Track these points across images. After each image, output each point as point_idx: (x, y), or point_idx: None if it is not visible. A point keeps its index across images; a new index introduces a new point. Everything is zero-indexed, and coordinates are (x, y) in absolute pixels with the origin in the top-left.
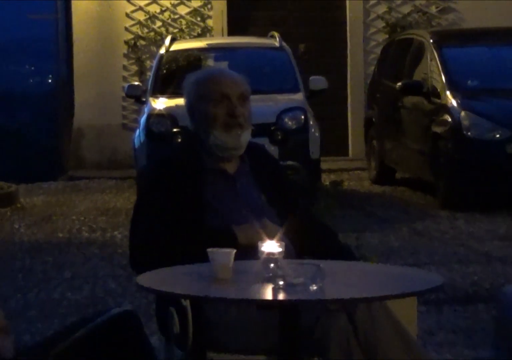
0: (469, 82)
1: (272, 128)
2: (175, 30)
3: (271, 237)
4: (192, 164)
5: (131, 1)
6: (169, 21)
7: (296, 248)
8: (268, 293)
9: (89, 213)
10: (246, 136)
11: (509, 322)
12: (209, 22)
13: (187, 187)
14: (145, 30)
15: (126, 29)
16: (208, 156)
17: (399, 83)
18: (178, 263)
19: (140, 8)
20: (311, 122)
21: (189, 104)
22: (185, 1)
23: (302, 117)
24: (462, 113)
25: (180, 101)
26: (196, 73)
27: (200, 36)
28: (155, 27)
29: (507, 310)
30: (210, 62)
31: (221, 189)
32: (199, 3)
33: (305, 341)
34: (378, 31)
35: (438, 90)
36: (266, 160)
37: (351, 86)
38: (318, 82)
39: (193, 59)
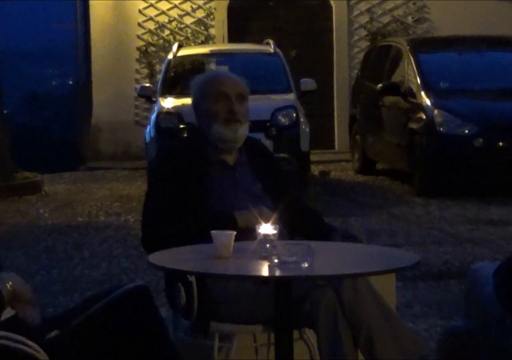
0: (441, 83)
1: (267, 124)
2: (182, 38)
3: (266, 221)
4: (196, 156)
5: (143, 12)
6: (176, 30)
7: (288, 230)
8: (264, 270)
9: (105, 199)
10: (243, 130)
11: (477, 295)
12: (212, 31)
13: (192, 176)
14: (155, 37)
15: (138, 37)
16: (210, 149)
17: (380, 85)
18: (184, 243)
19: (151, 18)
20: (301, 119)
21: (195, 101)
22: (190, 12)
23: (294, 114)
24: (435, 111)
25: (186, 100)
26: (201, 75)
27: (203, 43)
28: (164, 35)
29: (475, 285)
30: (213, 66)
31: (222, 178)
32: (202, 14)
33: (297, 313)
34: (361, 39)
35: (414, 90)
36: (262, 153)
37: (337, 87)
38: (308, 83)
39: (197, 63)
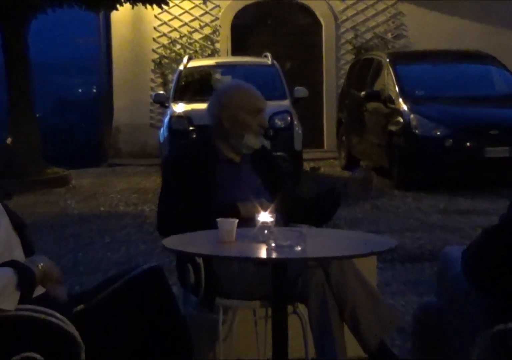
0: (416, 91)
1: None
2: (191, 52)
3: (265, 210)
4: (207, 154)
5: (157, 29)
6: (186, 44)
7: (284, 218)
8: (262, 253)
9: (124, 191)
10: (262, 139)
11: (447, 275)
12: (217, 45)
13: (202, 171)
14: (168, 51)
15: (153, 50)
16: (220, 148)
17: (363, 92)
18: (193, 229)
19: (164, 34)
20: (295, 122)
21: (223, 107)
22: (199, 29)
23: (289, 118)
24: (411, 116)
25: (195, 105)
26: (232, 83)
27: (210, 56)
28: (175, 49)
29: (445, 266)
30: (218, 76)
31: (228, 174)
32: (209, 31)
33: (291, 290)
34: (346, 53)
35: (393, 97)
36: (263, 153)
37: (326, 95)
38: (301, 91)
39: (204, 73)
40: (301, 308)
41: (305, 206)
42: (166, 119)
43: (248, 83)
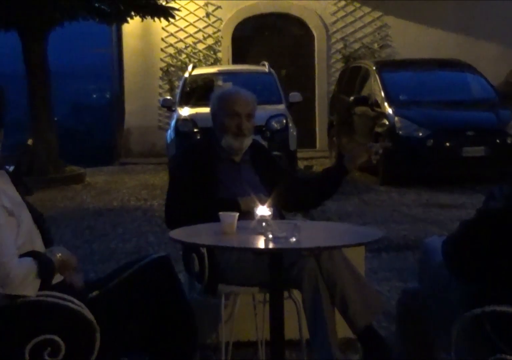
0: (400, 96)
1: (263, 128)
2: (195, 60)
3: (263, 205)
4: (210, 154)
5: (165, 40)
6: (191, 54)
7: (281, 208)
8: (260, 243)
9: (135, 188)
10: (247, 141)
11: (428, 263)
12: (219, 55)
13: (206, 170)
14: (174, 60)
15: (161, 59)
16: (222, 149)
17: (352, 97)
18: (198, 222)
19: (171, 45)
20: (290, 124)
21: (212, 111)
22: (202, 40)
23: (284, 121)
24: (396, 118)
25: (199, 109)
26: (221, 90)
27: (212, 64)
28: (181, 58)
29: (426, 255)
30: (220, 83)
31: (229, 172)
32: (212, 42)
33: (286, 277)
34: (337, 61)
35: (379, 102)
36: (262, 153)
37: (318, 99)
38: (295, 96)
39: (208, 80)
40: (296, 293)
41: (307, 185)
42: (173, 122)
43: (241, 89)
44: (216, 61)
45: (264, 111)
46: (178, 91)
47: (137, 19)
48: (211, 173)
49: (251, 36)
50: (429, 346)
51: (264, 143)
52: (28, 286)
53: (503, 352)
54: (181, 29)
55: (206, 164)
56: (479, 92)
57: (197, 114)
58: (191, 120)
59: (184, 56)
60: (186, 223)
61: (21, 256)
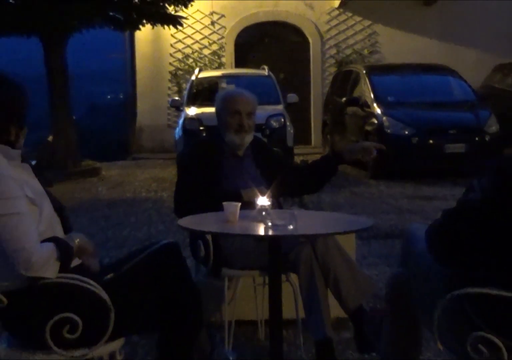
0: (388, 98)
1: (263, 127)
2: (201, 64)
3: (263, 195)
4: (215, 149)
5: (173, 46)
6: (197, 58)
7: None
8: (261, 230)
9: (146, 181)
10: (248, 138)
11: (411, 248)
12: (223, 59)
13: (212, 164)
14: (182, 64)
15: (170, 63)
16: (226, 145)
17: (344, 98)
18: (203, 211)
19: (179, 50)
20: (288, 123)
21: (217, 111)
22: (208, 46)
23: (282, 120)
24: (384, 118)
25: (205, 109)
26: (224, 91)
27: (217, 68)
28: (188, 62)
29: (407, 240)
30: (223, 85)
31: (233, 166)
32: (216, 47)
33: (284, 262)
34: (330, 65)
35: (369, 103)
36: (262, 148)
37: (313, 100)
38: (292, 97)
39: (212, 83)
40: (293, 276)
41: (305, 172)
42: (181, 121)
43: (243, 90)
44: (220, 65)
45: (264, 111)
46: (185, 92)
47: (148, 26)
48: (216, 167)
49: (252, 42)
50: (414, 325)
51: (264, 140)
52: (48, 269)
53: (481, 330)
54: (188, 36)
55: (212, 159)
56: (459, 94)
57: (203, 113)
58: (198, 119)
59: (191, 60)
60: (193, 212)
61: (43, 241)
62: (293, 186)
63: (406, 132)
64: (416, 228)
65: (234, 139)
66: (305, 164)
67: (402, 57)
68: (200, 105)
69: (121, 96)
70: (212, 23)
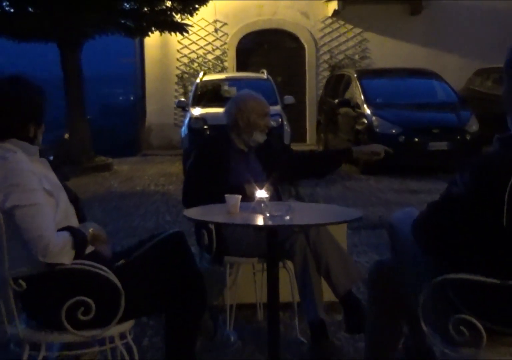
0: (377, 99)
1: None
2: (205, 68)
3: (262, 188)
4: (221, 146)
5: (180, 51)
6: (202, 63)
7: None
8: (260, 221)
9: (154, 175)
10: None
11: (395, 236)
12: (226, 64)
13: (218, 159)
14: (188, 68)
15: (177, 67)
16: (231, 142)
17: (336, 100)
18: (211, 203)
19: (185, 55)
20: (285, 123)
21: (238, 111)
22: (211, 51)
23: (280, 120)
24: (373, 118)
25: (208, 109)
26: (244, 93)
27: (220, 72)
28: (193, 66)
29: (392, 228)
30: (226, 87)
31: (238, 161)
32: (219, 53)
33: (281, 250)
34: (324, 70)
35: (359, 104)
36: (264, 144)
37: (308, 102)
38: (289, 99)
39: (216, 85)
40: (289, 263)
41: (312, 158)
42: (187, 120)
43: (255, 92)
44: (223, 69)
45: None
46: (191, 94)
47: (157, 33)
48: (223, 162)
49: (252, 48)
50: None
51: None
52: (64, 255)
53: (463, 312)
54: (194, 42)
55: (219, 155)
56: (443, 96)
57: (207, 113)
58: (202, 119)
59: (196, 64)
60: (200, 204)
61: (59, 230)
62: (300, 168)
63: (394, 131)
64: (399, 217)
65: (259, 138)
66: (317, 152)
67: (390, 62)
68: (205, 105)
69: (132, 97)
70: (216, 30)
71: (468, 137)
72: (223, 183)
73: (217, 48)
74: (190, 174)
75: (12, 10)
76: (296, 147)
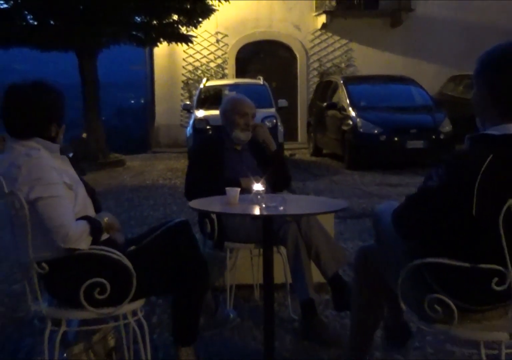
0: (361, 103)
1: None
2: (208, 75)
3: (258, 182)
4: (218, 145)
5: (185, 60)
6: (205, 70)
7: (272, 186)
8: (256, 211)
9: (162, 170)
10: (250, 135)
11: (379, 224)
12: (226, 71)
13: (215, 157)
14: (192, 75)
15: (182, 74)
16: (227, 141)
17: (325, 103)
18: (208, 195)
19: (190, 63)
20: (279, 123)
21: (223, 112)
22: (213, 60)
23: (274, 120)
24: (358, 119)
25: (211, 112)
26: (231, 96)
27: (221, 78)
28: (197, 73)
29: (376, 218)
30: (226, 92)
31: (233, 158)
32: (220, 61)
33: (275, 237)
34: (314, 76)
35: (345, 107)
36: (257, 144)
37: (299, 105)
38: (283, 102)
39: (217, 90)
40: (282, 249)
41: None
42: (191, 121)
43: (243, 95)
44: (223, 76)
45: (259, 113)
46: (195, 98)
47: (165, 43)
48: (220, 159)
49: (250, 57)
50: (377, 289)
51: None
52: (82, 241)
53: (436, 292)
54: (198, 52)
55: (216, 152)
56: (419, 100)
57: (209, 115)
58: (205, 120)
59: (199, 72)
60: (200, 196)
61: (78, 219)
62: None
63: (376, 131)
64: (382, 209)
65: (240, 135)
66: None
67: (372, 69)
68: (207, 108)
69: (142, 101)
70: (217, 41)
71: (442, 137)
72: (218, 178)
73: (219, 57)
74: (191, 169)
75: (35, 23)
76: (289, 145)
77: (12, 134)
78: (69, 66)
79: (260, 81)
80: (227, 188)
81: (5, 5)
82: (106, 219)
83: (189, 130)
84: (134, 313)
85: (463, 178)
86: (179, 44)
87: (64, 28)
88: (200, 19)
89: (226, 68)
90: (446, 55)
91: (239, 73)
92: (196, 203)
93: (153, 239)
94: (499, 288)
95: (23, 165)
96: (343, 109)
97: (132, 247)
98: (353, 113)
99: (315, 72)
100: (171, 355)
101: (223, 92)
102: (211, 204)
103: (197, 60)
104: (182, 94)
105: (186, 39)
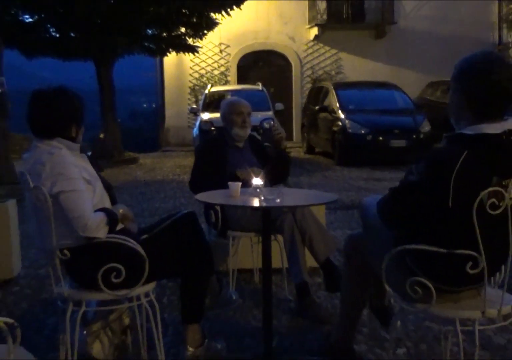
0: (349, 106)
1: (258, 127)
2: (212, 82)
3: (257, 176)
4: (221, 143)
5: (192, 67)
6: (209, 77)
7: (270, 180)
8: (256, 203)
9: (172, 167)
10: (248, 132)
11: (366, 215)
12: (229, 78)
13: (219, 154)
14: (198, 81)
15: (189, 81)
16: (230, 140)
17: (317, 107)
18: (211, 189)
19: (196, 71)
20: (276, 125)
21: (223, 113)
22: (217, 68)
23: (272, 122)
24: (346, 121)
25: (215, 114)
26: (229, 99)
27: (224, 84)
28: (203, 80)
29: (364, 208)
30: (229, 96)
31: (235, 155)
32: (223, 69)
33: (273, 226)
34: (307, 82)
35: (335, 110)
36: (257, 142)
37: (294, 108)
38: (279, 106)
39: (221, 95)
40: (279, 237)
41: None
42: (197, 123)
43: (238, 97)
44: (226, 82)
45: (258, 116)
46: (201, 102)
47: (173, 53)
48: (223, 156)
49: (250, 65)
50: (364, 273)
51: (258, 137)
52: (100, 231)
53: (417, 275)
54: (203, 60)
55: (219, 150)
56: (401, 104)
57: (214, 117)
58: (210, 122)
59: (204, 78)
60: (204, 189)
61: (96, 211)
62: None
63: (363, 132)
64: (369, 201)
65: (239, 132)
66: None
67: (359, 76)
68: (212, 111)
69: (153, 105)
70: (220, 51)
71: (422, 136)
72: (222, 173)
73: (222, 65)
74: (195, 166)
75: (58, 35)
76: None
77: (36, 134)
78: (88, 74)
79: (259, 86)
80: (229, 183)
81: (30, 19)
82: (121, 210)
83: (195, 131)
84: (146, 294)
85: (441, 173)
86: (186, 54)
87: (83, 40)
88: (205, 32)
89: (228, 75)
90: (425, 63)
91: (240, 79)
92: (202, 196)
93: (163, 228)
94: (473, 272)
95: (46, 162)
96: (333, 112)
97: (145, 236)
98: (342, 116)
99: (308, 79)
100: (179, 332)
101: (226, 97)
102: (215, 197)
103: (203, 68)
104: (189, 99)
105: (193, 49)
